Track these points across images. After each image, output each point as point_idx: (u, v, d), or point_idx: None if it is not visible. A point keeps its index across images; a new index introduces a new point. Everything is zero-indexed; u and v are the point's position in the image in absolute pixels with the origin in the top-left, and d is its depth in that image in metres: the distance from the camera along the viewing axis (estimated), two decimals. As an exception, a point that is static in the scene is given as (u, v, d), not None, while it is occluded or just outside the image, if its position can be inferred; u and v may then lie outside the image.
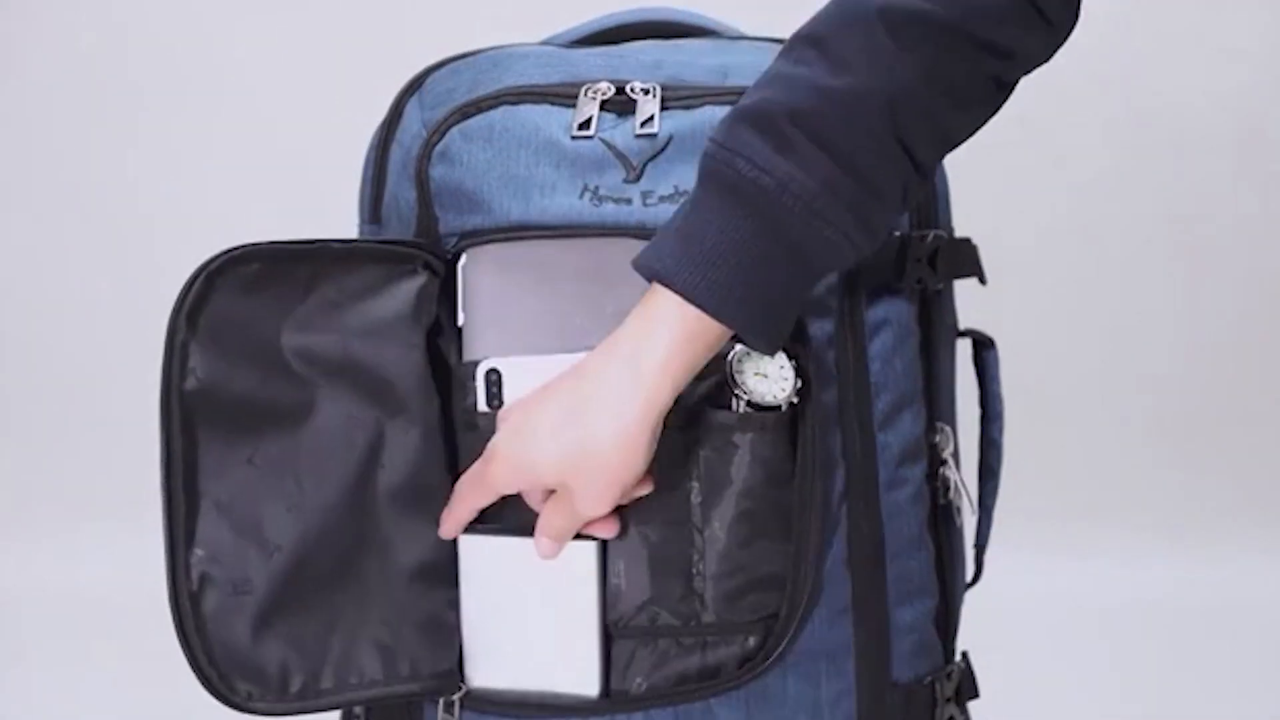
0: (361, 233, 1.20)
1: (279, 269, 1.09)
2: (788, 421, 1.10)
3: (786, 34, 1.19)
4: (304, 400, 1.10)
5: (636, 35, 1.22)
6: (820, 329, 1.11)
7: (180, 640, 1.07)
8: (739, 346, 1.09)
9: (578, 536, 1.10)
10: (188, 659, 1.08)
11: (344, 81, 2.10)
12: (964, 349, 1.25)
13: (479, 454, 1.11)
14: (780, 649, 1.10)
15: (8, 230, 2.22)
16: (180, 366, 1.07)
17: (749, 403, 1.10)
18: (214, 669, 1.08)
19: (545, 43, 1.24)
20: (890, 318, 1.14)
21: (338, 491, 1.11)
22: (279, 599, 1.09)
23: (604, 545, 1.11)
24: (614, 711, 1.11)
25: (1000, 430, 1.26)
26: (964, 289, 1.24)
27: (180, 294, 1.07)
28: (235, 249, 1.08)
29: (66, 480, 2.18)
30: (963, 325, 1.26)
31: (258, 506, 1.09)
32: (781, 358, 1.10)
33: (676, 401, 1.06)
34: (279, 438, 1.09)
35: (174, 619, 1.07)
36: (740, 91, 1.10)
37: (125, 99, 2.19)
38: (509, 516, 1.11)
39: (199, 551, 1.07)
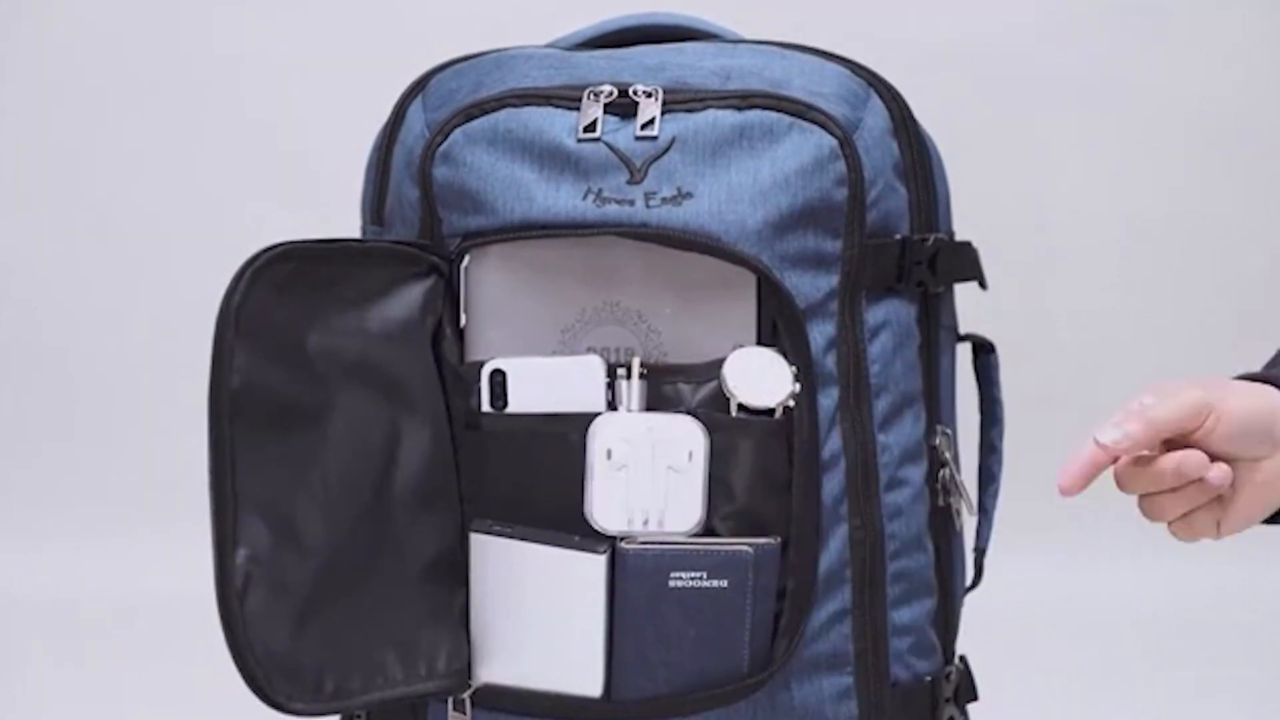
0: (365, 234, 1.20)
1: (307, 268, 1.09)
2: (785, 423, 1.10)
3: (787, 38, 1.21)
4: (327, 400, 1.10)
5: (639, 39, 1.22)
6: (820, 331, 1.11)
7: (228, 640, 1.07)
8: (735, 351, 1.10)
9: (588, 549, 1.10)
10: (235, 660, 1.07)
11: (347, 83, 2.10)
12: (964, 355, 1.25)
13: (480, 453, 1.12)
14: (784, 652, 1.10)
15: (7, 232, 2.22)
16: (228, 366, 1.07)
17: (742, 406, 1.10)
18: (259, 669, 1.07)
19: (549, 46, 1.24)
20: (890, 319, 1.14)
21: (360, 492, 1.11)
22: (313, 599, 1.09)
23: (613, 557, 1.11)
24: (616, 715, 1.12)
25: (1001, 435, 1.26)
26: (964, 294, 1.24)
27: (228, 292, 1.07)
28: (275, 247, 1.08)
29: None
30: (962, 330, 1.26)
31: (292, 507, 1.09)
32: (781, 361, 1.10)
33: (674, 405, 1.08)
34: (306, 438, 1.10)
35: (222, 619, 1.07)
36: (742, 95, 1.11)
37: (128, 101, 2.19)
38: (523, 521, 1.12)
39: (243, 551, 1.07)
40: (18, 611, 2.00)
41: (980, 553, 1.25)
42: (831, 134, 1.11)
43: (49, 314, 2.20)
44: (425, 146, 1.14)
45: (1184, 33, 2.15)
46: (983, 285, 1.23)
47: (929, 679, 1.15)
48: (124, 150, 2.19)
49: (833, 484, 1.11)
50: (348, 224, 1.25)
